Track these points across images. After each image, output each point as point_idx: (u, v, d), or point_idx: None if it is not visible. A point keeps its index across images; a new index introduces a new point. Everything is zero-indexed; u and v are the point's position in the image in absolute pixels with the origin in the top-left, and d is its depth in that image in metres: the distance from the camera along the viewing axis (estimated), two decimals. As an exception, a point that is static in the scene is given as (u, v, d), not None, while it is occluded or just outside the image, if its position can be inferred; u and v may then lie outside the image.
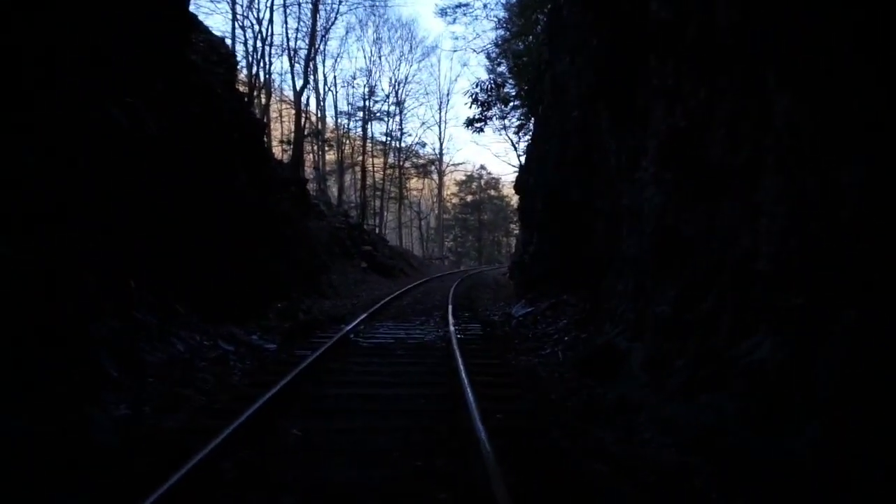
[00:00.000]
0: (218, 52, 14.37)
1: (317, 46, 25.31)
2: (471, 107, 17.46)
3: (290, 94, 27.11)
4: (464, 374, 5.12)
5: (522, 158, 38.43)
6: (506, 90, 33.61)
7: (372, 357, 6.54)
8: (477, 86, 17.29)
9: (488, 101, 17.35)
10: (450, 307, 11.35)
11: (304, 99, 25.43)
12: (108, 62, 6.75)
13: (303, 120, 23.22)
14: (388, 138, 37.24)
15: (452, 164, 52.68)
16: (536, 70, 13.80)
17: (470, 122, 17.89)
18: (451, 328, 8.51)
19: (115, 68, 7.03)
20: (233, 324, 8.83)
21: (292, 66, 23.96)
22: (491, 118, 18.90)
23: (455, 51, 69.40)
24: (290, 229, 16.29)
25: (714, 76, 5.01)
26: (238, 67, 17.74)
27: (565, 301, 11.29)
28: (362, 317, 9.76)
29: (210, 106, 10.86)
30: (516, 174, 36.44)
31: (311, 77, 32.25)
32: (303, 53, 24.51)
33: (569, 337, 8.90)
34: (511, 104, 29.43)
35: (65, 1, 5.42)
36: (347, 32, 45.52)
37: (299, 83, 23.55)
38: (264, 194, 14.09)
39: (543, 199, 12.48)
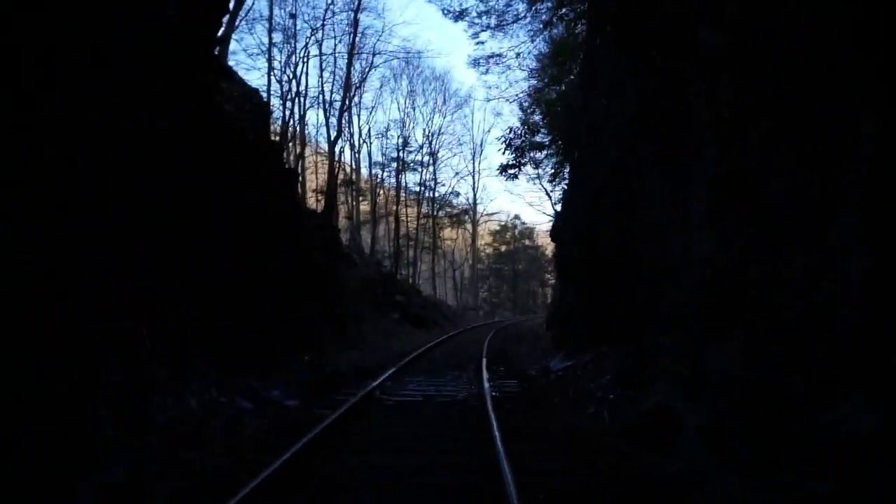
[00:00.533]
0: (251, 102, 14.46)
1: (351, 97, 25.66)
2: (504, 152, 17.26)
3: (324, 145, 27.47)
4: (499, 442, 4.51)
5: (557, 206, 38.06)
6: (538, 138, 33.57)
7: (398, 417, 5.94)
8: (511, 131, 17.09)
9: (521, 146, 17.06)
10: (484, 360, 10.71)
11: (337, 149, 25.65)
12: (133, 117, 6.59)
13: (336, 169, 23.30)
14: (422, 188, 37.32)
15: (486, 214, 52.47)
16: (570, 115, 13.48)
17: (503, 169, 17.62)
18: (486, 384, 7.89)
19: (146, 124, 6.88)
20: (254, 376, 8.37)
21: (327, 117, 24.29)
22: (524, 164, 18.61)
23: (488, 100, 70.17)
24: (321, 279, 15.99)
25: (778, 105, 4.48)
26: (272, 118, 17.91)
27: (605, 354, 10.55)
28: (391, 371, 9.20)
29: (241, 153, 10.74)
30: (551, 223, 36.03)
31: (346, 128, 32.73)
32: (337, 105, 24.83)
33: (613, 395, 8.16)
34: (545, 151, 29.26)
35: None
36: (382, 86, 46.51)
37: (333, 133, 23.78)
38: (295, 241, 13.86)
39: (578, 247, 11.90)
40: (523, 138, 16.85)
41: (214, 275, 8.42)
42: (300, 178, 23.39)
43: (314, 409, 6.50)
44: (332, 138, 23.02)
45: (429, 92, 39.43)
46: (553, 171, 28.86)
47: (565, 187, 17.33)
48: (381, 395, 7.25)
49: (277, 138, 18.58)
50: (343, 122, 28.04)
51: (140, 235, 6.62)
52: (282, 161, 15.64)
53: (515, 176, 19.04)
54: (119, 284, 6.09)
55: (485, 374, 8.96)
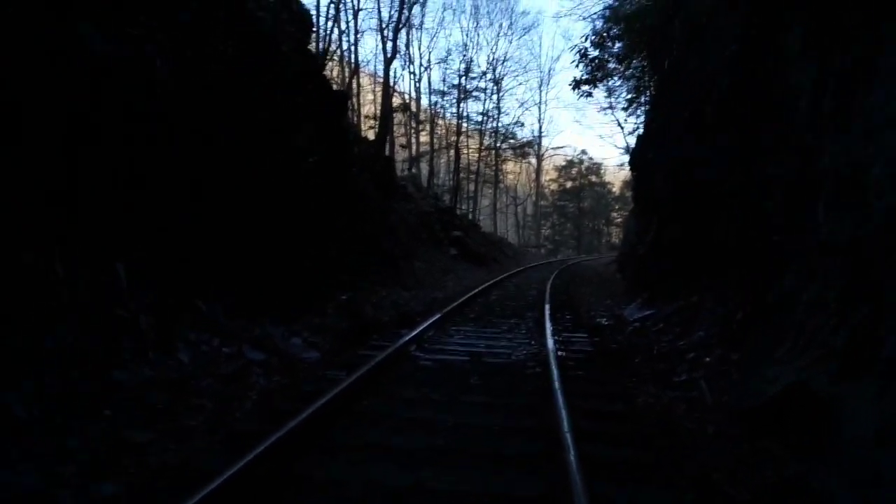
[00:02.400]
0: (289, 10, 12.81)
1: (409, 13, 23.54)
2: (577, 65, 15.01)
3: (382, 72, 25.61)
4: (569, 439, 2.97)
5: (630, 139, 35.07)
6: (611, 65, 30.54)
7: (428, 390, 4.40)
8: (586, 39, 14.77)
9: (598, 59, 14.75)
10: (546, 307, 9.13)
11: (393, 72, 23.80)
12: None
13: (391, 94, 21.56)
14: (484, 118, 35.07)
15: (552, 148, 49.82)
16: (661, 18, 11.21)
17: (577, 84, 15.39)
18: (549, 339, 6.32)
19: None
20: (278, 320, 7.12)
21: (383, 35, 22.32)
22: (600, 80, 16.20)
23: (558, 17, 65.90)
24: (369, 210, 14.62)
25: None
26: (315, 31, 16.24)
27: (697, 304, 8.75)
28: (436, 317, 7.75)
29: (272, 63, 9.20)
30: (625, 154, 33.31)
31: (404, 52, 30.65)
32: (393, 24, 22.80)
33: (711, 357, 6.47)
34: (618, 77, 26.45)
35: None
36: (444, 8, 43.71)
37: (388, 53, 21.87)
38: (340, 168, 12.44)
39: (669, 175, 9.92)
40: (600, 48, 14.50)
41: (231, 199, 7.08)
42: (352, 104, 21.84)
43: (327, 370, 5.11)
44: (388, 58, 21.18)
45: (494, 13, 36.58)
46: (629, 97, 26.17)
47: (646, 110, 15.03)
48: (417, 353, 5.79)
49: (336, 64, 16.92)
50: (399, 41, 26.04)
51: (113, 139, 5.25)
52: (324, 79, 14.04)
53: (590, 93, 16.77)
54: (80, 201, 4.78)
55: (548, 325, 7.38)
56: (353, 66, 22.30)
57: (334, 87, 19.37)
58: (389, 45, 21.83)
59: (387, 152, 22.43)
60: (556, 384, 4.08)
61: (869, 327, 4.27)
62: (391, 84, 22.16)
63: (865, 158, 4.37)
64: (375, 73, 30.03)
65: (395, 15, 21.74)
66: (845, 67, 4.55)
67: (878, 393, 3.74)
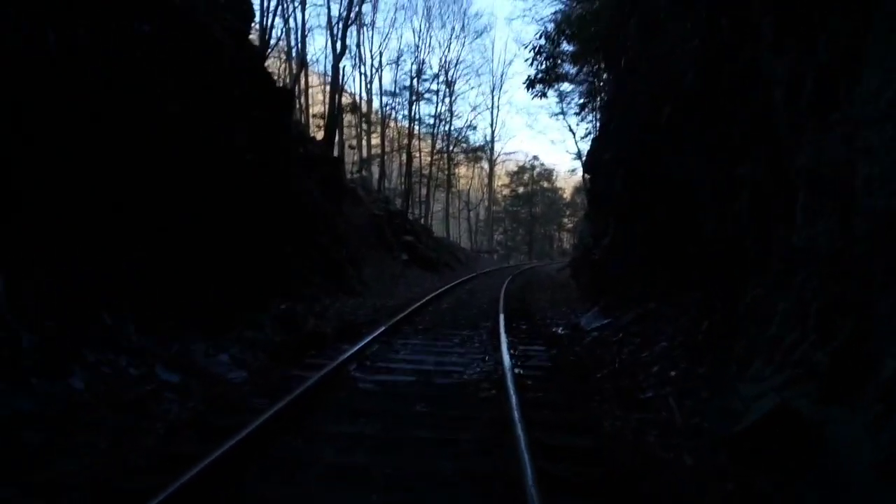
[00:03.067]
0: (227, -2, 11.96)
1: (358, 10, 22.81)
2: (532, 63, 14.61)
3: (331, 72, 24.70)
4: (534, 495, 2.39)
5: (582, 144, 35.18)
6: (565, 68, 30.49)
7: (366, 421, 3.71)
8: (541, 36, 14.31)
9: (553, 54, 14.35)
10: (501, 316, 8.61)
11: (342, 72, 23.00)
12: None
13: (339, 93, 20.76)
14: (437, 121, 34.56)
15: (504, 153, 49.78)
16: (615, 19, 10.89)
17: (531, 83, 14.94)
18: (504, 354, 5.77)
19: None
20: (204, 334, 6.34)
21: (332, 30, 21.51)
22: (555, 81, 15.79)
23: (511, 20, 66.16)
24: (314, 213, 13.84)
25: None
26: (260, 23, 15.39)
27: (657, 313, 8.38)
28: (382, 328, 7.10)
29: (201, 49, 8.39)
30: (579, 158, 33.33)
31: (354, 51, 29.88)
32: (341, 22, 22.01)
33: (677, 371, 6.04)
34: (574, 76, 26.30)
35: None
36: (397, 10, 43.13)
37: (337, 50, 21.07)
38: (282, 168, 11.66)
39: (626, 177, 9.55)
40: (554, 45, 14.07)
41: (151, 199, 6.27)
42: (300, 102, 20.97)
43: (248, 397, 4.41)
44: (336, 54, 20.39)
45: (446, 15, 36.21)
46: (581, 101, 26.10)
47: (601, 111, 14.74)
48: (356, 373, 5.12)
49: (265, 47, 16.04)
50: (350, 40, 25.28)
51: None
52: (266, 73, 13.22)
53: (544, 93, 16.39)
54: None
55: (503, 337, 6.84)
56: (300, 62, 21.40)
57: (280, 83, 18.49)
58: (339, 42, 21.07)
59: (336, 153, 21.61)
60: (515, 413, 3.51)
61: (855, 344, 3.87)
62: (340, 82, 21.40)
63: (849, 156, 3.97)
64: (325, 72, 29.19)
65: (345, 11, 21.00)
66: (827, 57, 4.15)
67: (875, 421, 3.30)
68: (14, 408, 3.73)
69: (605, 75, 15.00)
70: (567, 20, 13.97)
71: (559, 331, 9.56)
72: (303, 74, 26.72)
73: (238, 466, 2.92)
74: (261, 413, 3.52)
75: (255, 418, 3.42)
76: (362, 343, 6.08)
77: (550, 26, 14.62)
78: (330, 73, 21.55)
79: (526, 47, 14.15)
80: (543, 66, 14.33)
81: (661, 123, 8.49)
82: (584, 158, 33.31)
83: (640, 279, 9.32)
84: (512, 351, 6.22)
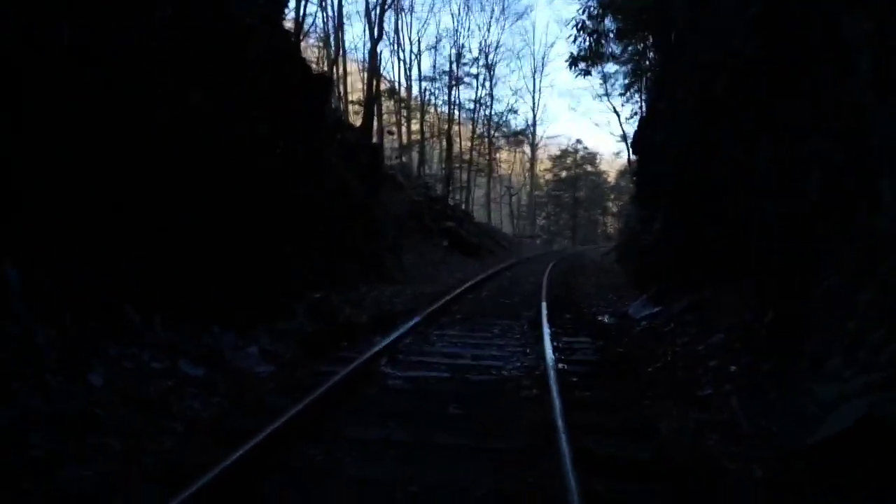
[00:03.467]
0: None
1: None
2: (575, 40, 13.92)
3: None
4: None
5: (628, 127, 34.06)
6: (608, 49, 29.42)
7: (394, 425, 3.37)
8: (584, 11, 13.53)
9: (597, 30, 13.62)
10: (543, 304, 8.17)
11: (380, 57, 22.67)
12: None
13: (377, 78, 20.46)
14: (477, 105, 33.94)
15: (546, 137, 48.75)
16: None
17: (574, 61, 14.24)
18: (547, 347, 5.36)
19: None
20: (232, 327, 6.13)
21: (369, 16, 21.19)
22: (599, 60, 14.98)
23: None
24: (352, 202, 13.60)
25: None
26: (296, 8, 15.15)
27: (712, 302, 7.82)
28: (417, 319, 6.77)
29: (226, 34, 8.16)
30: (623, 141, 32.27)
31: (393, 37, 29.53)
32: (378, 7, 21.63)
33: (738, 366, 5.53)
34: (614, 63, 25.32)
35: None
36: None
37: (374, 35, 20.73)
38: (316, 157, 11.44)
39: (678, 157, 8.94)
40: (600, 18, 13.32)
41: (179, 188, 6.07)
42: (337, 90, 20.76)
43: (270, 395, 4.13)
44: (374, 39, 20.04)
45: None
46: (627, 82, 25.14)
47: (648, 91, 13.99)
48: (386, 368, 4.79)
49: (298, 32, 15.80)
50: (388, 26, 24.92)
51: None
52: (301, 60, 12.97)
53: (588, 71, 15.64)
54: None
55: (545, 328, 6.42)
56: (336, 48, 21.18)
57: (318, 70, 18.30)
58: (377, 27, 20.72)
59: (374, 140, 21.36)
60: (559, 418, 3.12)
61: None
62: (378, 68, 21.09)
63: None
64: (363, 58, 28.94)
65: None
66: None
67: None
68: (25, 407, 3.54)
69: (651, 53, 14.23)
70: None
71: (606, 320, 9.07)
72: (340, 61, 26.55)
73: (247, 483, 2.62)
74: (281, 414, 3.22)
75: (276, 419, 3.13)
76: (396, 334, 5.76)
77: (593, 3, 13.90)
78: (367, 59, 21.24)
79: (568, 24, 13.39)
80: (587, 42, 13.61)
81: (716, 99, 7.87)
82: (630, 140, 32.28)
83: (693, 266, 8.72)
84: (555, 343, 5.80)
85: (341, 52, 23.75)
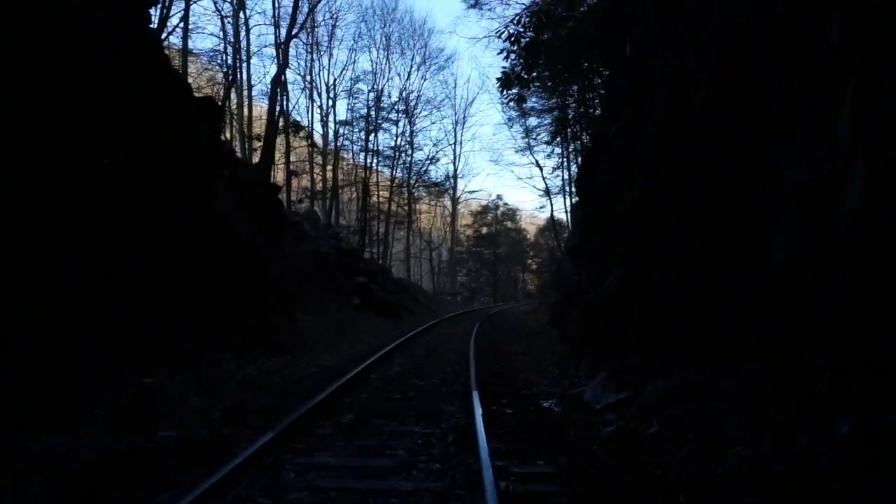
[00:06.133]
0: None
1: (303, 23, 20.27)
2: (507, 57, 12.02)
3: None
4: None
5: (550, 179, 33.07)
6: (530, 103, 28.42)
7: None
8: (518, 21, 11.53)
9: (533, 43, 11.68)
10: (474, 394, 5.76)
11: (287, 87, 20.28)
12: None
13: (277, 112, 17.95)
14: (396, 153, 31.98)
15: (467, 192, 47.58)
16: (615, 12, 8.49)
17: (505, 83, 12.17)
18: (487, 480, 2.93)
19: None
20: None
21: (277, 46, 18.87)
22: (534, 81, 13.12)
23: (476, 39, 64.96)
24: (234, 248, 10.85)
25: None
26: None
27: (705, 386, 5.70)
28: (279, 428, 4.18)
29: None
30: (546, 195, 30.99)
31: (308, 79, 27.35)
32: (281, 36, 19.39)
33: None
34: (539, 111, 24.15)
35: None
36: (355, 39, 41.17)
37: (275, 68, 18.39)
38: (181, 187, 8.79)
39: (642, 192, 6.98)
40: (539, 28, 11.41)
41: None
42: (238, 125, 18.12)
43: None
44: (279, 67, 17.59)
45: (405, 38, 34.26)
46: (554, 128, 23.91)
47: (596, 117, 12.22)
48: None
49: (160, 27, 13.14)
50: (301, 66, 22.70)
51: None
52: (176, 80, 10.43)
53: (523, 98, 13.77)
54: None
55: (482, 442, 4.01)
56: (233, 76, 18.63)
57: (202, 96, 15.65)
58: (281, 55, 18.37)
59: (275, 180, 18.72)
60: None
61: None
62: (281, 99, 18.68)
63: None
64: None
65: (287, 24, 18.42)
66: None
67: None
68: None
69: (573, 105, 12.62)
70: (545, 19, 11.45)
71: (551, 405, 6.77)
72: (245, 98, 24.01)
73: None
74: None
75: None
76: (227, 469, 3.16)
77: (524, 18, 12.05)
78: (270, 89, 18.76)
79: (499, 35, 11.44)
80: (521, 57, 11.64)
81: (697, 112, 5.96)
82: (557, 191, 31.12)
83: (669, 334, 6.63)
84: (497, 462, 3.37)
85: (244, 86, 21.22)
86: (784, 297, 5.03)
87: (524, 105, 28.36)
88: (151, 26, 11.07)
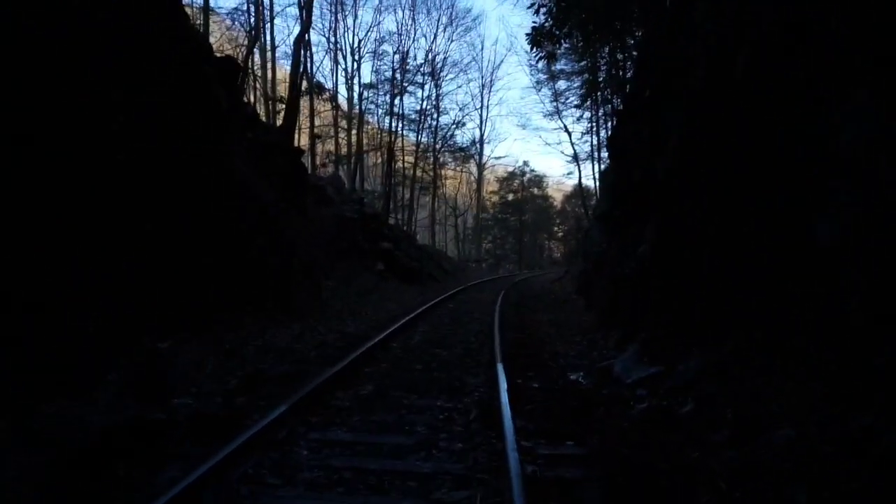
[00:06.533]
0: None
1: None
2: (537, 11, 11.40)
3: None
4: None
5: (579, 146, 32.30)
6: (559, 66, 27.51)
7: None
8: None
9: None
10: (497, 353, 5.53)
11: (311, 47, 19.83)
12: None
13: (300, 73, 17.58)
14: (421, 116, 31.42)
15: (493, 158, 46.81)
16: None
17: (536, 39, 11.53)
18: (512, 465, 2.69)
19: None
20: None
21: (299, 4, 18.40)
22: (567, 37, 12.44)
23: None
24: (257, 210, 10.68)
25: None
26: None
27: (741, 362, 5.37)
28: (297, 396, 3.99)
29: None
30: (574, 161, 30.30)
31: (333, 41, 26.83)
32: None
33: None
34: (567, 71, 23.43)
35: None
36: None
37: (297, 28, 17.96)
38: (208, 148, 8.58)
39: (680, 153, 6.56)
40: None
41: None
42: (255, 84, 17.83)
43: None
44: (302, 26, 17.16)
45: (433, 3, 33.36)
46: (584, 91, 23.18)
47: (630, 78, 11.66)
48: None
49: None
50: (326, 26, 22.24)
51: None
52: (195, 39, 10.14)
53: (553, 55, 13.14)
54: None
55: (505, 407, 3.79)
56: (255, 34, 18.25)
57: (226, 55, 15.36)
58: (305, 14, 17.92)
59: (299, 144, 18.47)
60: None
61: None
62: (305, 60, 18.30)
63: None
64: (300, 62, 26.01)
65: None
66: None
67: None
68: None
69: (629, 40, 11.97)
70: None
71: (580, 379, 6.51)
72: (269, 60, 23.65)
73: None
74: None
75: None
76: (241, 441, 2.98)
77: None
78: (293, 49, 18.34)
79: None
80: (552, 14, 10.99)
81: (737, 76, 5.50)
82: (586, 157, 30.38)
83: (703, 307, 6.27)
84: (523, 443, 3.13)
85: (268, 48, 20.84)
86: (833, 273, 4.64)
87: (553, 68, 27.58)
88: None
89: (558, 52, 13.35)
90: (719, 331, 5.87)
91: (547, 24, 11.16)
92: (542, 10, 11.26)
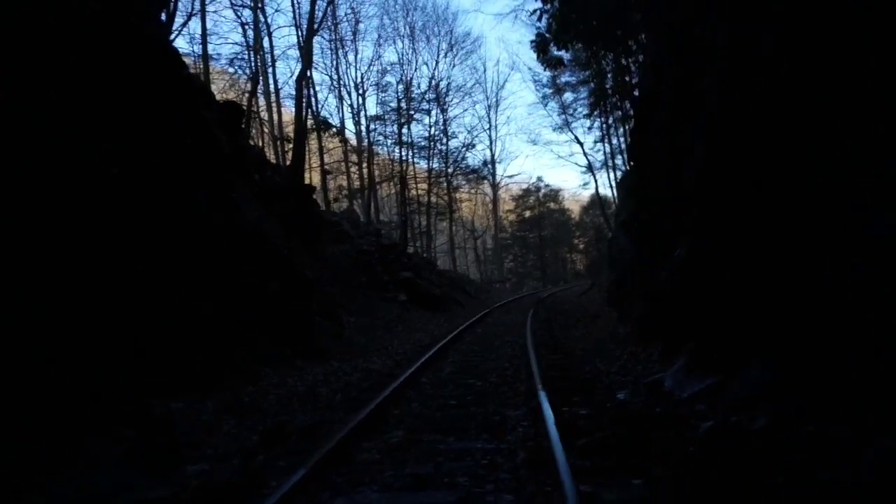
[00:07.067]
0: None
1: (321, 19, 19.72)
2: (540, 18, 11.09)
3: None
4: None
5: (592, 155, 31.85)
6: (564, 79, 27.22)
7: None
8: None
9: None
10: (537, 379, 5.02)
11: (313, 85, 19.76)
12: None
13: (305, 111, 17.44)
14: (431, 143, 31.24)
15: (506, 177, 46.51)
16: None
17: (542, 46, 11.14)
18: None
19: None
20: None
21: (299, 44, 18.39)
22: (569, 42, 12.08)
23: (502, 15, 62.99)
24: (267, 254, 10.34)
25: None
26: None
27: (811, 370, 4.80)
28: (316, 458, 3.52)
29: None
30: (589, 171, 29.81)
31: (335, 78, 26.87)
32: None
33: None
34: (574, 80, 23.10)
35: None
36: (379, 36, 40.59)
37: (299, 67, 17.88)
38: (202, 196, 8.29)
39: (710, 150, 6.07)
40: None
41: None
42: (258, 125, 17.72)
43: None
44: (303, 66, 17.07)
45: (430, 26, 33.47)
46: (592, 100, 22.78)
47: (639, 80, 11.26)
48: None
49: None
50: (327, 65, 22.15)
51: None
52: (193, 85, 9.95)
53: (560, 60, 12.75)
54: None
55: (556, 445, 3.29)
56: (255, 78, 18.22)
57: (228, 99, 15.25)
58: (304, 53, 17.85)
59: (309, 182, 18.24)
60: None
61: None
62: (308, 97, 18.18)
63: None
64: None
65: (311, 20, 17.89)
66: None
67: None
68: None
69: (633, 45, 11.58)
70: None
71: (625, 397, 5.96)
72: (273, 103, 23.67)
73: None
74: None
75: None
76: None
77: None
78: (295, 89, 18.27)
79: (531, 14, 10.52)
80: (554, 17, 10.63)
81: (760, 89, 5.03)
82: (600, 165, 29.86)
83: (765, 308, 5.70)
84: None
85: (272, 90, 20.84)
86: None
87: (559, 81, 27.27)
88: (168, 34, 10.61)
89: (564, 60, 13.02)
90: (783, 335, 5.29)
91: (552, 31, 10.76)
92: (545, 15, 10.92)
